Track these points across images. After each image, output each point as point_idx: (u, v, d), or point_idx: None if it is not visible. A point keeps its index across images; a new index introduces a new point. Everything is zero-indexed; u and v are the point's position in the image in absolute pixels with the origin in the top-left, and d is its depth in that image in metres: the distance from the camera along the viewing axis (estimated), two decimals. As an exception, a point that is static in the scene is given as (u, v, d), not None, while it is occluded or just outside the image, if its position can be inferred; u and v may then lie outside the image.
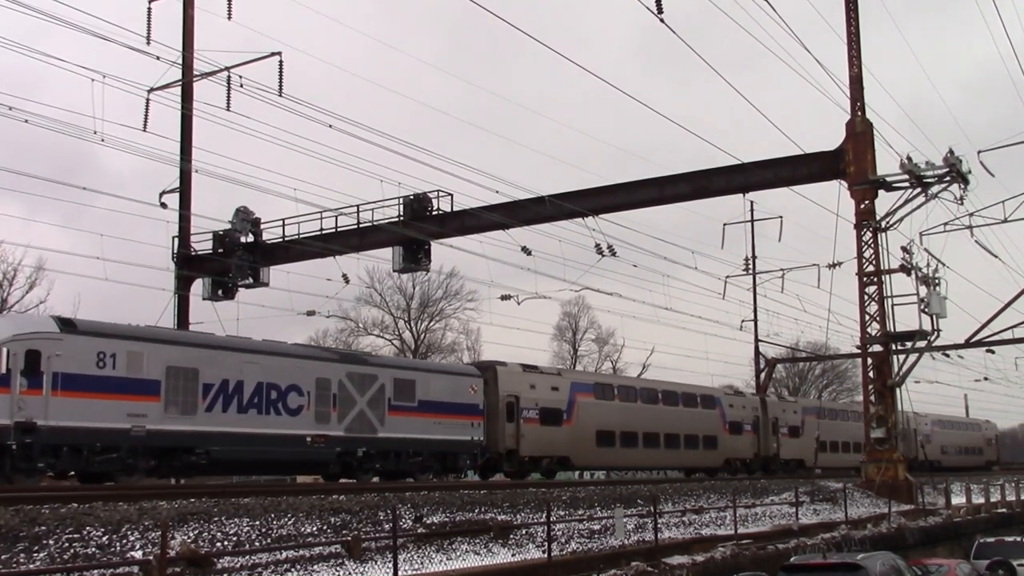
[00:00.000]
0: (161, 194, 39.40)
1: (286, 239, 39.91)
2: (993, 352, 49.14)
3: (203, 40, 41.96)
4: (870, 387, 35.67)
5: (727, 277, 53.78)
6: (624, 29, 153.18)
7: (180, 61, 38.69)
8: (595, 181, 70.48)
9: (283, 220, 39.91)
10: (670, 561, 18.14)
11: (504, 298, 41.13)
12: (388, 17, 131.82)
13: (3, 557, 11.81)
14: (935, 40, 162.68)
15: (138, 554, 12.63)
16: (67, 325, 24.23)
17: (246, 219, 40.34)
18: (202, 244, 41.75)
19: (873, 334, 35.03)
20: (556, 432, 38.43)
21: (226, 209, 58.81)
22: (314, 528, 15.81)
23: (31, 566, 11.76)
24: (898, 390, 35.35)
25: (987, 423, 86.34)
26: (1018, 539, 29.43)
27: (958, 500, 38.84)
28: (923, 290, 35.13)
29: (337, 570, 14.04)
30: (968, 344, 40.34)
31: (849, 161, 34.53)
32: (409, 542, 15.86)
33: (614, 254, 37.29)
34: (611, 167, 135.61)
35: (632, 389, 44.68)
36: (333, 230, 39.24)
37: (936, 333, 35.45)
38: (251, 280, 40.73)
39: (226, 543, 14.11)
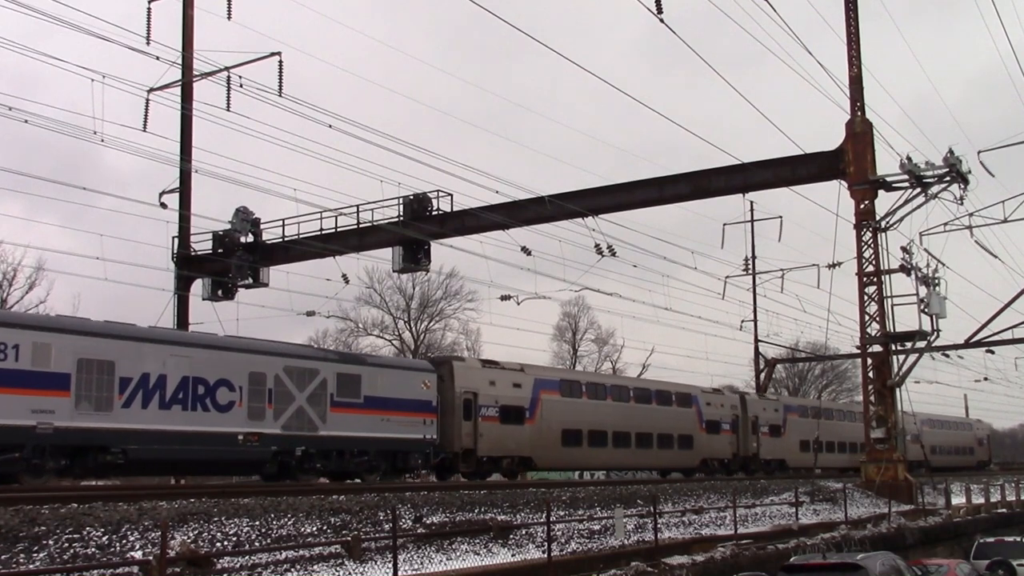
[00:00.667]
0: (161, 194, 39.55)
1: (286, 239, 39.91)
2: (993, 352, 49.28)
3: (203, 40, 42.19)
4: (870, 387, 35.70)
5: (727, 277, 53.94)
6: (632, 29, 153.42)
7: (180, 61, 38.76)
8: (598, 183, 70.54)
9: (283, 220, 40.01)
10: (670, 561, 18.15)
11: (504, 298, 41.06)
12: (388, 17, 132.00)
13: (3, 557, 11.81)
14: (935, 40, 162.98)
15: (138, 554, 12.64)
16: None
17: (246, 219, 40.35)
18: (202, 244, 41.83)
19: (873, 334, 35.02)
20: (518, 431, 36.66)
21: (226, 209, 58.90)
22: (314, 528, 15.81)
23: (31, 566, 11.77)
24: (898, 390, 35.38)
25: (979, 423, 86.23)
26: (1018, 539, 29.47)
27: (958, 500, 38.86)
28: (923, 290, 35.14)
29: (337, 570, 14.04)
30: (968, 344, 40.44)
31: (849, 161, 34.53)
32: (409, 542, 15.87)
33: (614, 254, 37.28)
34: (616, 169, 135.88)
35: (601, 386, 42.80)
36: (333, 230, 39.20)
37: (936, 333, 35.46)
38: (251, 280, 40.70)
39: (226, 543, 14.12)
